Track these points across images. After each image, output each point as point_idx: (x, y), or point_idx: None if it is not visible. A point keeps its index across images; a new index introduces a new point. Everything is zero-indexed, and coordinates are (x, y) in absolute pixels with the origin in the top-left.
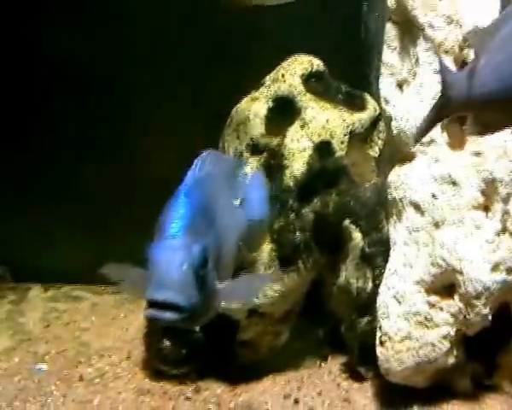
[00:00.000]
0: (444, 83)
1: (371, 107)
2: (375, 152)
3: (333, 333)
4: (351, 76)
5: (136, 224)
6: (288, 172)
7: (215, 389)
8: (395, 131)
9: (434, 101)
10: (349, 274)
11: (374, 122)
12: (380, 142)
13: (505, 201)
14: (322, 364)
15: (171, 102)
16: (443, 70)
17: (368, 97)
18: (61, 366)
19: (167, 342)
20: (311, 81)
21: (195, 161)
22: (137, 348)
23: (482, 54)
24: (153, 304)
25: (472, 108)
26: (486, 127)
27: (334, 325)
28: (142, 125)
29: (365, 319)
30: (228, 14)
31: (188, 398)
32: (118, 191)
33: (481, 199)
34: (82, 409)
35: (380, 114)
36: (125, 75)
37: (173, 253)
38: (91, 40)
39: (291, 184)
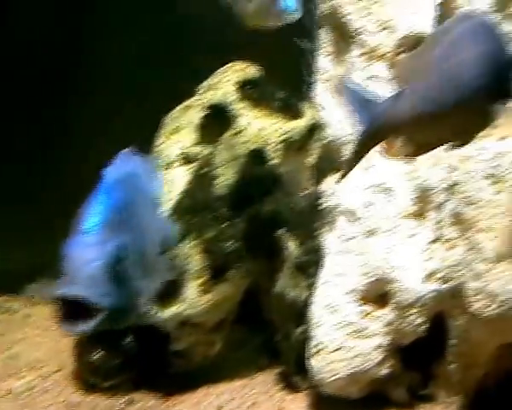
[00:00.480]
0: (367, 113)
1: (308, 114)
2: (311, 160)
3: (271, 343)
4: (295, 83)
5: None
6: (219, 180)
7: (148, 401)
8: (329, 139)
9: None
10: (284, 283)
11: (311, 130)
12: (317, 150)
13: (439, 209)
14: (258, 374)
15: (118, 104)
16: (363, 101)
17: (305, 104)
18: None
19: (98, 353)
20: (247, 88)
21: (114, 159)
22: (69, 360)
23: (410, 78)
24: (64, 307)
25: (403, 131)
26: (420, 147)
27: (272, 334)
28: (84, 127)
29: (300, 329)
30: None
31: None
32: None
33: (415, 207)
34: None
35: (317, 121)
36: (68, 77)
37: (87, 249)
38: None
39: (223, 192)
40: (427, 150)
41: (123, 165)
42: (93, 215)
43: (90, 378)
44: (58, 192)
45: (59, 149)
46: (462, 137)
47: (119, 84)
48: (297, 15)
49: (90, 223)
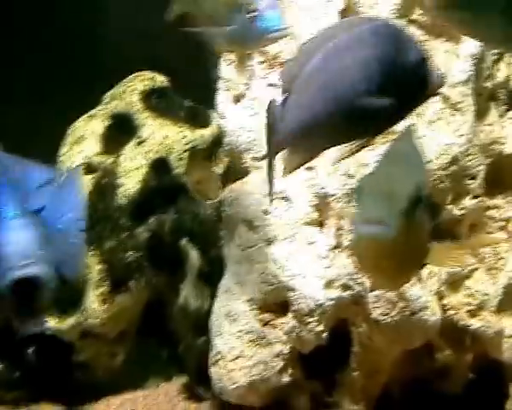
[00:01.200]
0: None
1: (216, 123)
2: (219, 169)
3: (178, 353)
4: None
5: None
6: (121, 190)
7: None
8: (228, 147)
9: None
10: (187, 293)
11: (218, 138)
12: (226, 158)
13: (339, 216)
14: (163, 384)
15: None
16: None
17: (213, 114)
18: None
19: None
20: (153, 98)
21: None
22: None
23: (291, 90)
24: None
25: (290, 143)
26: (304, 157)
27: (177, 345)
28: None
29: (202, 339)
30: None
31: None
32: None
33: (314, 214)
34: None
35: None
36: None
37: (22, 231)
38: None
39: (124, 202)
40: (310, 159)
41: None
42: (9, 202)
43: None
44: None
45: None
46: (358, 142)
47: (23, 93)
48: (282, 33)
49: (10, 210)
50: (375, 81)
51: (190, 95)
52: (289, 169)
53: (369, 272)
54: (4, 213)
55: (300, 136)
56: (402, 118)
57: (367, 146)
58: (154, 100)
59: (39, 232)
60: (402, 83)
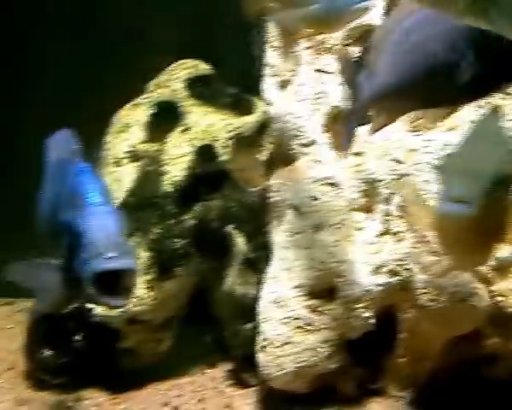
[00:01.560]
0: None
1: (260, 110)
2: (264, 156)
3: (222, 340)
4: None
5: None
6: (166, 177)
7: (96, 398)
8: (276, 133)
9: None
10: (233, 280)
11: (263, 126)
12: (270, 145)
13: (386, 201)
14: (208, 371)
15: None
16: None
17: (257, 101)
18: None
19: (48, 352)
20: (197, 86)
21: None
22: (22, 359)
23: (379, 53)
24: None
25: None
26: (390, 117)
27: (222, 331)
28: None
29: (249, 325)
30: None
31: (68, 407)
32: None
33: (362, 200)
34: None
35: (268, 116)
36: (14, 79)
37: (111, 220)
38: None
39: (170, 189)
40: (395, 119)
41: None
42: (94, 190)
43: (40, 376)
44: None
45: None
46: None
47: (65, 83)
48: (365, 5)
49: (98, 196)
50: (465, 51)
51: (235, 82)
52: (375, 128)
53: (448, 249)
54: (91, 199)
55: (389, 96)
56: (487, 92)
57: (449, 116)
58: (199, 87)
59: (121, 221)
60: (491, 57)
